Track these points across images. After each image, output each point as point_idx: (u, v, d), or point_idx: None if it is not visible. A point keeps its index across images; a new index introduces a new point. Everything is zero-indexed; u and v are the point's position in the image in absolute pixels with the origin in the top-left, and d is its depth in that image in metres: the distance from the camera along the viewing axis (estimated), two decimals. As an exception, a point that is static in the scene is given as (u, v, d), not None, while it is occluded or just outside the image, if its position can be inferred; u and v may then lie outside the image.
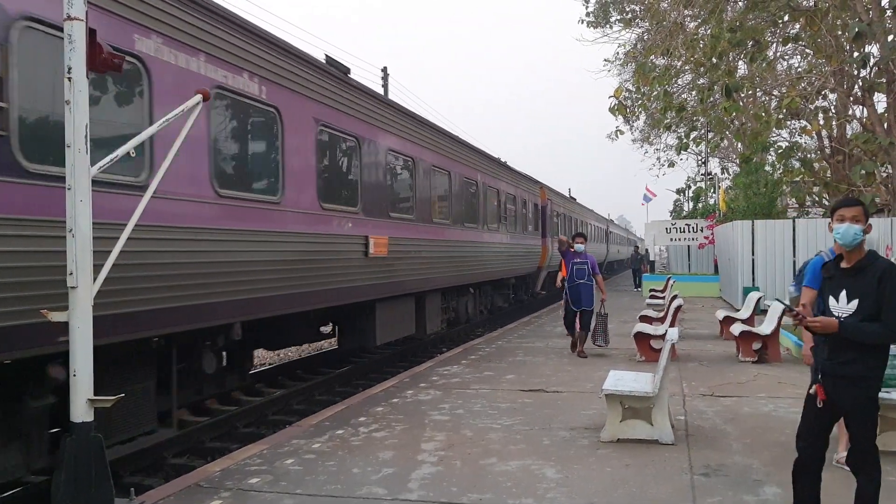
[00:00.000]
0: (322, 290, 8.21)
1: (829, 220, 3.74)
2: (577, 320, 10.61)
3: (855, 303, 3.41)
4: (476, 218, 14.85)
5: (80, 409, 3.63)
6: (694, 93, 18.12)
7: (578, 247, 10.53)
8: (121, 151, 4.03)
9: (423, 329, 12.15)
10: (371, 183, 9.66)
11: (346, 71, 9.10)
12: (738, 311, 13.41)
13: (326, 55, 8.92)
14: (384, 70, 25.23)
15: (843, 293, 3.46)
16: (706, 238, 24.81)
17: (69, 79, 3.60)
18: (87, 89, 3.66)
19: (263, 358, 13.78)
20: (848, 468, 3.65)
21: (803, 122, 17.30)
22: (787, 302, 4.96)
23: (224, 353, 7.94)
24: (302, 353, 13.92)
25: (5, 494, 5.42)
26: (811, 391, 3.56)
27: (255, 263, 6.85)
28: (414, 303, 11.63)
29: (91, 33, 3.67)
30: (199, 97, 4.61)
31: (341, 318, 10.23)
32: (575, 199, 32.59)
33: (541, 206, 22.10)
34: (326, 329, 10.60)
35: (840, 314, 3.44)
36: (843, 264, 3.57)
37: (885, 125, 12.53)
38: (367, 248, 9.25)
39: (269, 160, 7.33)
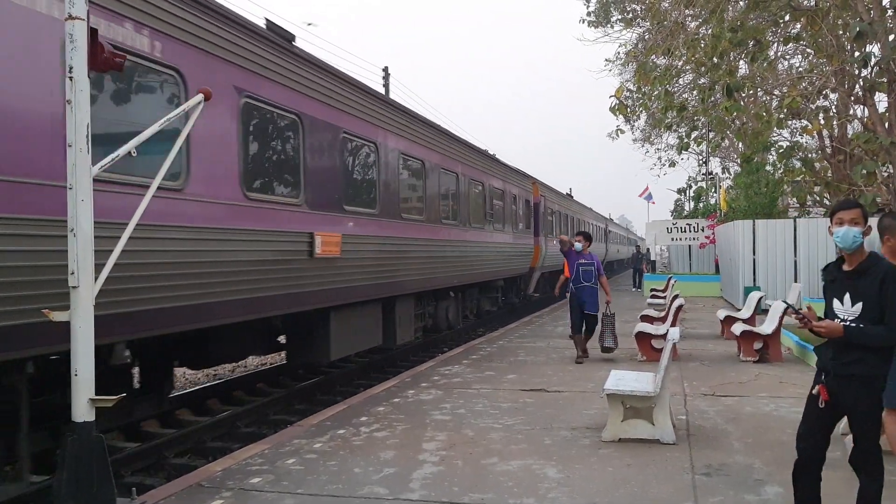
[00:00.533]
0: (248, 299, 6.80)
1: (829, 223, 3.73)
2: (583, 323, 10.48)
3: (859, 306, 3.41)
4: (456, 214, 13.44)
5: (82, 409, 3.62)
6: (695, 92, 18.11)
7: (577, 245, 10.24)
8: (122, 151, 4.02)
9: (393, 339, 10.83)
10: (318, 170, 8.17)
11: (290, 38, 7.84)
12: (740, 310, 13.40)
13: (267, 20, 7.63)
14: (385, 70, 25.26)
15: (847, 296, 3.46)
16: (707, 238, 24.83)
17: (70, 78, 3.59)
18: (88, 89, 3.65)
19: (264, 359, 13.78)
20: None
21: (804, 122, 17.27)
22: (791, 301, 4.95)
23: (135, 375, 7.02)
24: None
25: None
26: (814, 391, 3.56)
27: (144, 266, 5.44)
28: (381, 310, 10.34)
29: (92, 33, 3.67)
30: (200, 97, 4.49)
31: (289, 330, 8.93)
32: (572, 197, 32.03)
33: (533, 202, 21.03)
34: (283, 340, 9.36)
35: (845, 317, 3.44)
36: (845, 267, 3.56)
37: (886, 125, 12.51)
38: (313, 246, 7.84)
39: (165, 136, 5.39)
